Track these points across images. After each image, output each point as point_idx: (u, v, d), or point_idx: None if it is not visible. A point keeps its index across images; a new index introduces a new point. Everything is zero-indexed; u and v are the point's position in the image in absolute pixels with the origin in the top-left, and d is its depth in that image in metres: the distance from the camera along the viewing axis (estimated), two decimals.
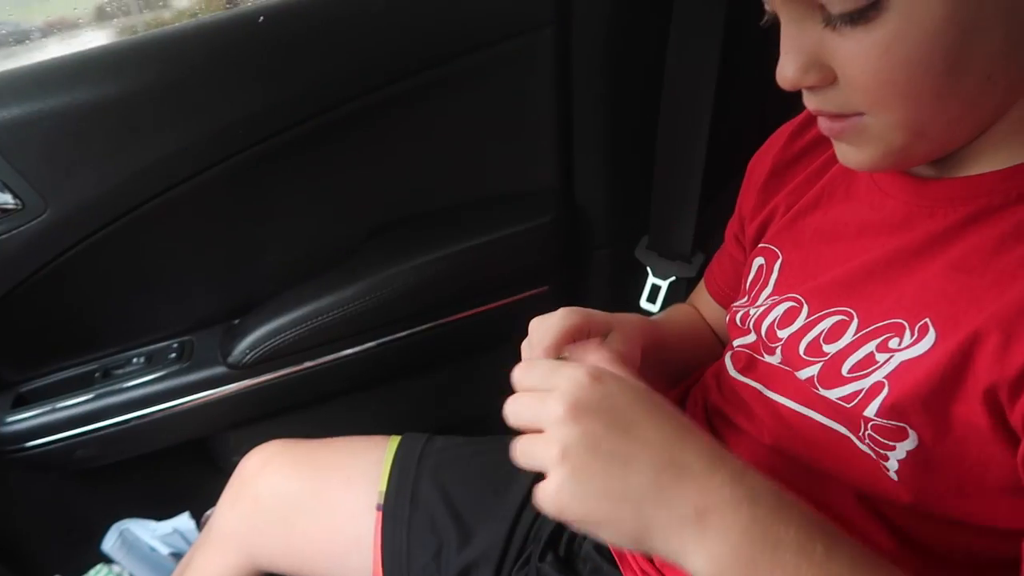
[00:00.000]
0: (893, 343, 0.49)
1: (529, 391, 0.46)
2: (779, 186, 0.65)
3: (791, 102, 0.80)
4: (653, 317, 0.77)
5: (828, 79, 0.46)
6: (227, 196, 0.96)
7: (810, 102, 0.48)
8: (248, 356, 0.97)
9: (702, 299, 0.79)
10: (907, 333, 0.49)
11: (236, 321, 1.02)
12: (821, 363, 0.53)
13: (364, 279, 0.98)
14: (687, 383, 0.69)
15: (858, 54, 0.44)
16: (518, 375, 0.48)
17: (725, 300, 0.73)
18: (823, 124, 0.50)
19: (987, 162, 0.49)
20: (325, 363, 1.00)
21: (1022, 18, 0.43)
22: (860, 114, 0.47)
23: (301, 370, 0.99)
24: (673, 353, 0.72)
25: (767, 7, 0.48)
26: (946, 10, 0.42)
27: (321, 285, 0.98)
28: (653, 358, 0.63)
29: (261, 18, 0.92)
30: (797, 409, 0.55)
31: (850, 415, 0.50)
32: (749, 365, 0.61)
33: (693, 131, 0.95)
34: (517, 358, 1.06)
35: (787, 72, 0.47)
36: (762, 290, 0.62)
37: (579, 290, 1.09)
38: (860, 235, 0.55)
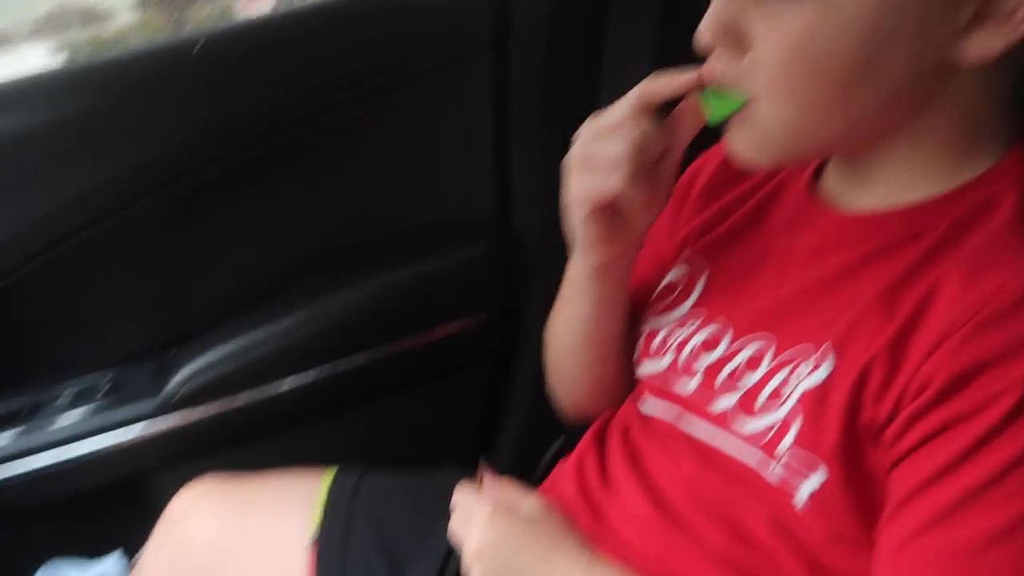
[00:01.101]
0: (799, 372, 0.51)
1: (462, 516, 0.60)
2: (715, 198, 0.66)
3: (719, 130, 0.84)
4: None
5: (740, 50, 0.48)
6: (160, 227, 0.95)
7: (714, 70, 0.51)
8: (182, 390, 0.96)
9: None
10: (811, 360, 0.50)
11: (170, 354, 1.01)
12: (738, 394, 0.54)
13: (300, 310, 0.97)
14: (606, 416, 0.70)
15: (777, 32, 0.46)
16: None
17: (639, 300, 0.71)
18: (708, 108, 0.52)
19: (894, 197, 0.51)
20: (261, 396, 0.99)
21: (927, 54, 0.45)
22: (751, 100, 0.49)
23: (236, 404, 0.98)
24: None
25: None
26: (865, 19, 0.44)
27: (257, 317, 0.97)
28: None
29: (196, 47, 0.92)
30: (712, 442, 0.56)
31: (765, 448, 0.51)
32: (663, 396, 0.61)
33: None
34: (453, 390, 1.06)
35: (705, 31, 0.49)
36: (684, 299, 0.63)
37: (517, 318, 1.10)
38: (783, 261, 0.57)
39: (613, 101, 0.94)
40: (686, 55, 0.97)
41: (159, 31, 1.27)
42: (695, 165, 0.69)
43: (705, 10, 0.94)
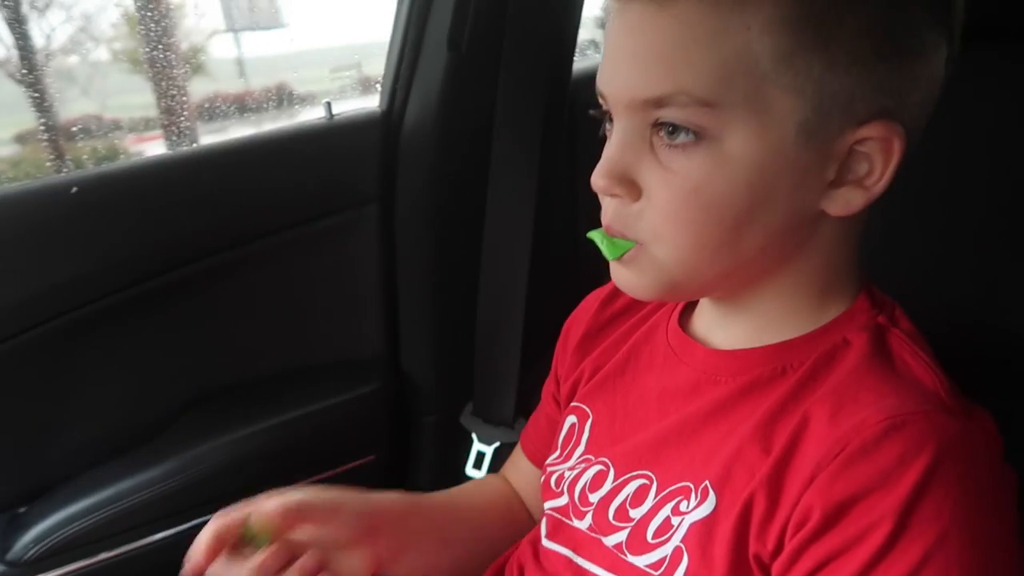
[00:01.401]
0: (683, 506, 0.52)
1: None
2: (591, 348, 0.69)
3: (601, 271, 0.89)
4: (443, 492, 0.77)
5: (633, 196, 0.50)
6: (20, 372, 0.89)
7: (606, 213, 0.53)
8: (32, 551, 0.87)
9: (518, 466, 0.80)
10: (693, 496, 0.52)
11: (22, 510, 0.92)
12: (628, 528, 0.55)
13: (174, 457, 0.92)
14: (506, 554, 0.69)
15: (672, 181, 0.49)
16: None
17: (540, 460, 0.74)
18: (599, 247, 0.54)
19: (761, 337, 0.55)
20: (126, 553, 0.91)
21: (802, 202, 0.50)
22: (633, 242, 0.51)
23: (96, 563, 0.90)
24: (467, 532, 0.73)
25: (604, 106, 0.53)
26: (751, 170, 0.48)
27: (124, 465, 0.91)
28: (427, 542, 0.67)
29: (74, 189, 0.90)
30: None
31: None
32: (560, 531, 0.62)
33: (511, 298, 1.00)
34: None
35: (600, 177, 0.51)
36: (575, 448, 0.64)
37: (406, 458, 1.08)
38: (660, 399, 0.59)
39: (495, 248, 1.00)
40: (562, 205, 1.05)
41: (39, 167, 1.24)
42: (569, 321, 0.73)
43: (580, 170, 1.02)
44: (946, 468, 0.44)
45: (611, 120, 0.52)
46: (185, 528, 0.94)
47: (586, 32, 1.08)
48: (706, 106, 0.47)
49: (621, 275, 0.54)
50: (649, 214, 0.50)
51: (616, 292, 0.70)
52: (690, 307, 0.62)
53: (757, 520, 0.48)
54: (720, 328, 0.58)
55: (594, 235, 0.54)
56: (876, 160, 0.49)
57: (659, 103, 0.48)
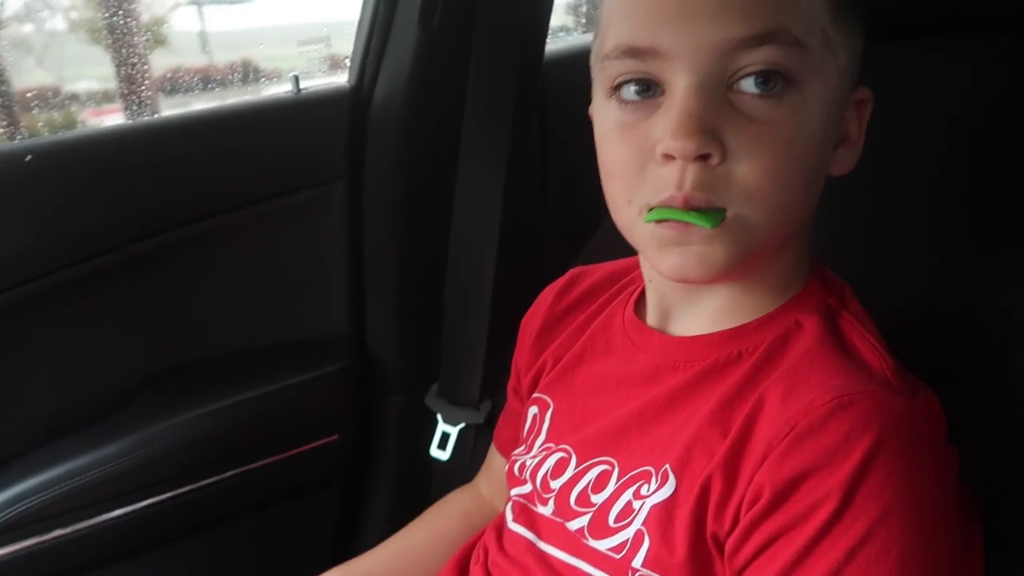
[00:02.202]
0: (644, 490, 0.53)
1: None
2: (549, 341, 0.69)
3: (571, 253, 0.89)
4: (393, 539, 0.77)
5: (722, 155, 0.47)
6: None
7: (681, 182, 0.47)
8: None
9: (492, 469, 0.80)
10: (653, 479, 0.53)
11: None
12: (590, 513, 0.56)
13: (132, 434, 0.90)
14: (472, 540, 0.69)
15: (764, 135, 0.46)
16: None
17: (510, 444, 0.75)
18: (670, 233, 0.49)
19: (718, 323, 0.55)
20: (81, 530, 0.89)
21: (825, 171, 0.52)
22: (723, 209, 0.48)
23: (50, 540, 0.88)
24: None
25: (646, 70, 0.48)
26: (818, 121, 0.49)
27: (80, 442, 0.89)
28: None
29: (28, 157, 0.87)
30: (568, 561, 0.56)
31: (618, 566, 0.52)
32: (524, 515, 0.62)
33: (479, 279, 1.00)
34: (305, 514, 1.01)
35: (688, 134, 0.45)
36: (536, 438, 0.65)
37: (369, 439, 1.07)
38: (619, 387, 0.60)
39: (464, 227, 1.00)
40: (532, 186, 1.05)
41: None
42: (526, 317, 0.73)
43: (551, 152, 1.01)
44: (890, 447, 0.45)
45: (643, 89, 0.49)
46: (141, 506, 0.92)
47: (556, 18, 1.08)
48: (800, 47, 0.47)
49: (689, 260, 0.49)
50: (741, 173, 0.47)
51: (570, 283, 0.70)
52: (644, 298, 0.63)
53: (715, 501, 0.49)
54: (681, 314, 0.58)
55: (665, 213, 0.48)
56: (854, 123, 0.53)
57: (759, 41, 0.46)
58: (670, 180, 0.47)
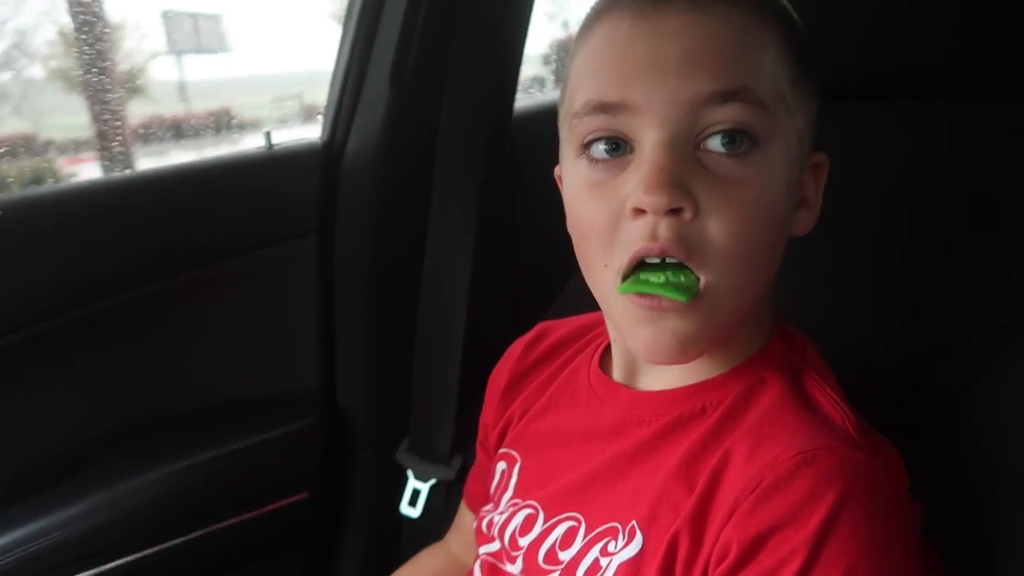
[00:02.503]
0: (611, 547, 0.53)
1: None
2: (515, 394, 0.69)
3: (541, 307, 0.89)
4: None
5: (694, 210, 0.47)
6: None
7: (655, 234, 0.47)
8: None
9: (462, 527, 0.79)
10: (620, 536, 0.52)
11: None
12: (558, 571, 0.55)
13: (93, 495, 0.88)
14: None
15: (732, 194, 0.47)
16: None
17: (480, 500, 0.74)
18: (645, 303, 0.49)
19: (684, 378, 0.55)
20: None
21: (787, 232, 0.53)
22: (697, 278, 0.48)
23: None
24: None
25: (615, 127, 0.49)
26: (781, 184, 0.50)
27: (37, 505, 0.87)
28: None
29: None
30: None
31: None
32: (493, 574, 0.62)
33: (449, 333, 1.00)
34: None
35: (661, 189, 0.46)
36: (504, 494, 0.64)
37: (339, 496, 1.06)
38: (585, 442, 0.59)
39: (434, 284, 1.00)
40: (503, 242, 1.05)
41: None
42: (494, 371, 0.73)
43: (521, 208, 1.02)
44: (854, 503, 0.45)
45: (612, 147, 0.50)
46: (103, 570, 0.90)
47: (531, 68, 1.10)
48: (764, 108, 0.48)
49: (668, 331, 0.49)
50: (713, 231, 0.47)
51: (537, 338, 0.71)
52: (609, 352, 0.63)
53: (682, 559, 0.49)
54: (645, 373, 0.58)
55: (640, 287, 0.48)
56: (811, 185, 0.54)
57: (726, 98, 0.47)
58: (643, 232, 0.48)
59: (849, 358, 0.57)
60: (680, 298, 0.48)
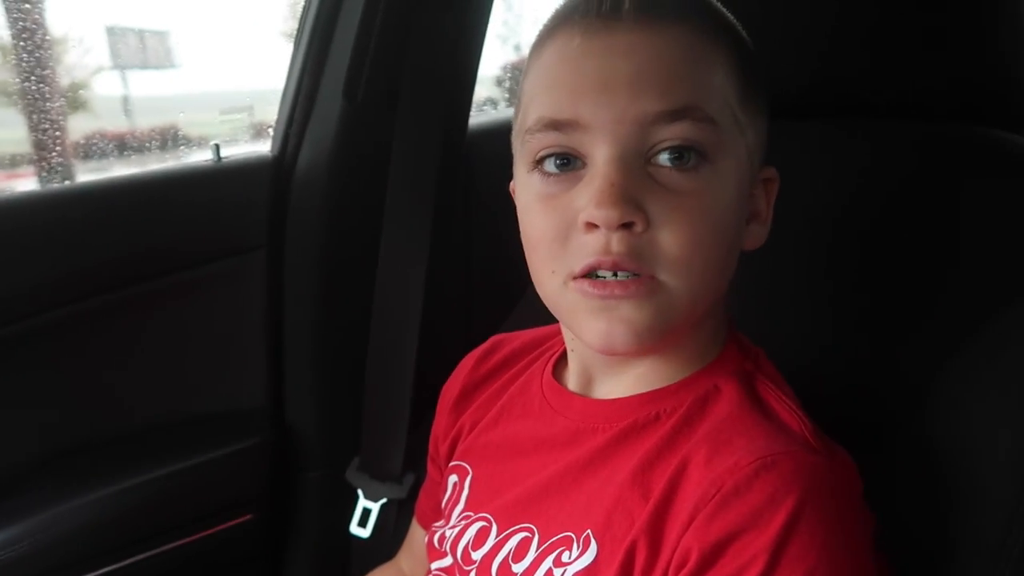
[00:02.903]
0: (565, 556, 0.52)
1: None
2: (467, 406, 0.68)
3: (494, 323, 0.89)
4: None
5: (645, 224, 0.48)
6: None
7: (607, 248, 0.48)
8: None
9: (413, 546, 0.78)
10: (575, 546, 0.52)
11: None
12: None
13: (28, 518, 0.84)
14: None
15: (683, 204, 0.48)
16: None
17: (432, 515, 0.73)
18: (598, 291, 0.49)
19: (639, 386, 0.56)
20: None
21: (740, 243, 0.54)
22: (651, 276, 0.49)
23: None
24: None
25: (567, 143, 0.49)
26: (732, 191, 0.50)
27: None
28: None
29: None
30: None
31: None
32: None
33: (401, 350, 0.99)
34: None
35: (612, 203, 0.47)
36: (455, 507, 0.63)
37: (286, 517, 1.03)
38: (537, 451, 0.59)
39: (386, 299, 0.99)
40: (456, 259, 1.05)
41: None
42: (446, 385, 0.72)
43: (475, 226, 1.01)
44: (813, 507, 0.46)
45: (563, 162, 0.50)
46: None
47: (484, 90, 1.11)
48: (713, 124, 0.49)
49: (621, 320, 0.49)
50: (665, 241, 0.48)
51: (490, 350, 0.71)
52: (563, 360, 0.63)
53: (640, 567, 0.49)
54: (604, 379, 0.59)
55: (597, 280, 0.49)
56: (762, 200, 0.55)
57: (675, 116, 0.48)
58: (596, 247, 0.48)
59: (798, 372, 0.57)
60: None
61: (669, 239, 0.48)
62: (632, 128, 0.48)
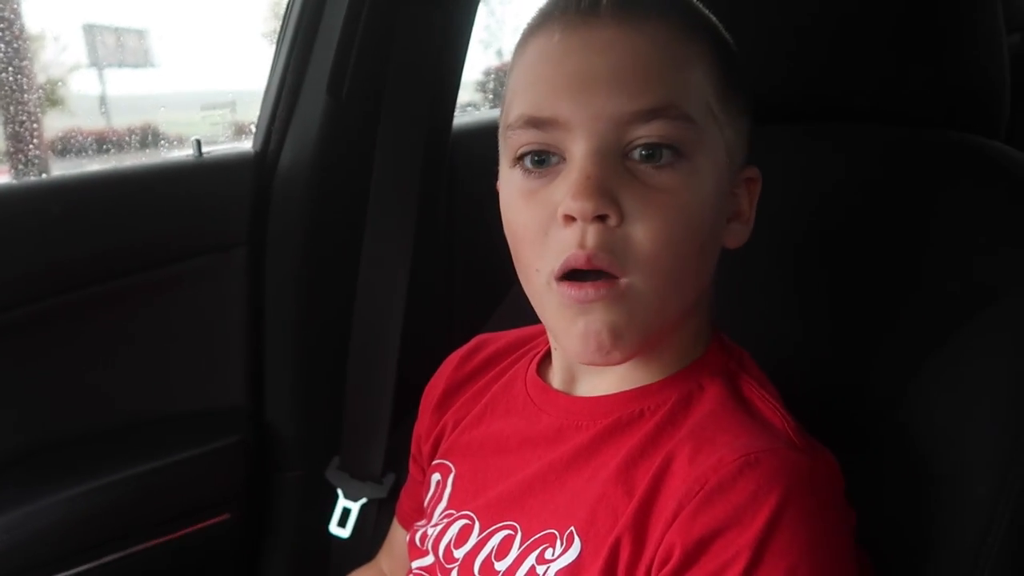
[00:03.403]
0: (548, 554, 0.52)
1: None
2: (450, 405, 0.68)
3: (477, 323, 0.89)
4: None
5: (619, 217, 0.48)
6: None
7: (583, 242, 0.48)
8: None
9: (393, 548, 0.77)
10: (558, 543, 0.52)
11: None
12: None
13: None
14: None
15: (659, 200, 0.49)
16: None
17: (415, 513, 0.72)
18: (575, 293, 0.49)
19: (623, 384, 0.56)
20: None
21: (720, 242, 0.54)
22: (618, 278, 0.49)
23: None
24: None
25: (546, 140, 0.50)
26: (710, 190, 0.50)
27: None
28: None
29: None
30: None
31: None
32: None
33: (384, 349, 0.98)
34: None
35: (586, 196, 0.47)
36: (437, 505, 0.63)
37: (264, 517, 1.02)
38: (521, 449, 0.59)
39: (368, 298, 0.98)
40: (438, 259, 1.05)
41: None
42: (429, 384, 0.72)
43: (458, 226, 1.01)
44: (796, 505, 0.46)
45: (538, 159, 0.51)
46: None
47: (466, 95, 1.11)
48: (690, 122, 0.49)
49: (600, 322, 0.50)
50: (638, 236, 0.49)
51: (475, 349, 0.70)
52: (547, 358, 0.63)
53: (624, 563, 0.49)
54: (587, 377, 0.59)
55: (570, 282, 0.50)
56: (745, 199, 0.56)
57: (650, 116, 0.48)
58: (572, 240, 0.49)
59: (774, 372, 0.58)
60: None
61: (641, 234, 0.49)
62: (609, 125, 0.49)
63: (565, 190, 0.49)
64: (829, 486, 0.49)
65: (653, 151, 0.49)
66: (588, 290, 0.49)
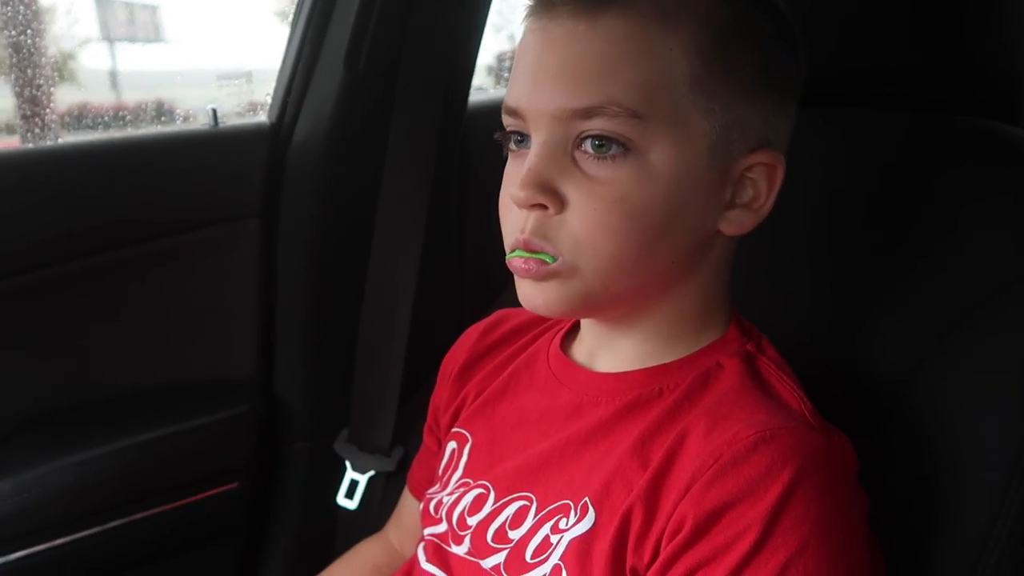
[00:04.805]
0: (562, 523, 0.53)
1: None
2: (471, 376, 0.68)
3: (488, 301, 0.89)
4: None
5: (557, 207, 0.50)
6: None
7: (524, 228, 0.51)
8: None
9: (402, 518, 0.78)
10: (572, 513, 0.52)
11: None
12: (507, 550, 0.55)
13: (10, 476, 0.83)
14: None
15: (596, 191, 0.50)
16: None
17: (428, 482, 0.73)
18: (514, 266, 0.53)
19: (643, 361, 0.56)
20: None
21: (705, 218, 0.53)
22: (556, 258, 0.51)
23: None
24: None
25: (518, 126, 0.53)
26: (668, 183, 0.50)
27: None
28: None
29: None
30: None
31: None
32: (437, 556, 0.61)
33: (395, 323, 0.99)
34: (197, 570, 0.95)
35: (523, 186, 0.50)
36: (453, 474, 0.64)
37: (272, 487, 1.02)
38: (540, 421, 0.59)
39: (380, 272, 0.98)
40: (450, 235, 1.05)
41: None
42: (448, 355, 0.73)
43: (471, 202, 1.01)
44: (809, 481, 0.46)
45: (519, 139, 0.54)
46: (13, 559, 0.84)
47: (476, 78, 1.11)
48: (635, 117, 0.49)
49: (533, 291, 0.53)
50: (573, 223, 0.51)
51: (495, 323, 0.71)
52: (572, 334, 0.63)
53: (635, 534, 0.49)
54: (604, 353, 0.59)
55: (514, 254, 0.53)
56: (762, 185, 0.54)
57: (589, 114, 0.49)
58: (519, 222, 0.52)
59: (791, 357, 0.58)
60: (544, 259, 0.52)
61: (576, 222, 0.50)
62: (555, 121, 0.50)
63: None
64: (843, 467, 0.50)
65: (603, 142, 0.50)
66: (520, 266, 0.52)
